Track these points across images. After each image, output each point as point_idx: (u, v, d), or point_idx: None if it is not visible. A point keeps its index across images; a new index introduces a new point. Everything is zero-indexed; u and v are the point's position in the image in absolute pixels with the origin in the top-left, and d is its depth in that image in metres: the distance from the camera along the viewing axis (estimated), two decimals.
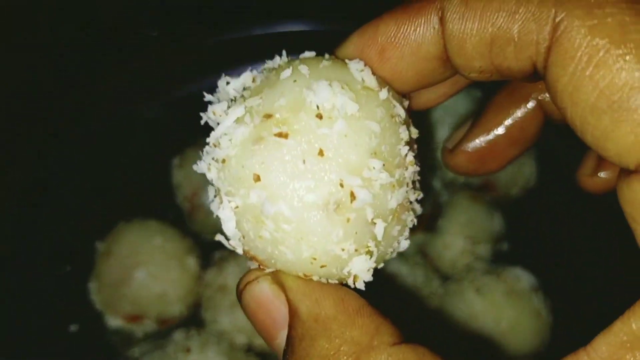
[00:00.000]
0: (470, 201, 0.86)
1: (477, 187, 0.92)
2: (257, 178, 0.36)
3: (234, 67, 1.08)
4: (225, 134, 0.38)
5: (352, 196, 0.36)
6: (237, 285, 0.42)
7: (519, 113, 0.48)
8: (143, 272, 0.76)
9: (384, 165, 0.37)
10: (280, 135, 0.36)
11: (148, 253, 0.77)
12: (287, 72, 0.38)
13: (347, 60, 0.40)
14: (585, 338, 0.77)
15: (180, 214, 0.92)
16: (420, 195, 0.42)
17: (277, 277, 0.39)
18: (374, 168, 0.36)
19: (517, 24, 0.32)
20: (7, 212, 0.90)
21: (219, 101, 0.41)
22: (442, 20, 0.35)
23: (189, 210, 0.88)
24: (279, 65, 0.40)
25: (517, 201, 0.97)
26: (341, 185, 0.36)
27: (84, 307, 0.83)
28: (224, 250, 0.82)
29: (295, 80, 0.37)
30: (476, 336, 0.77)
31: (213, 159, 0.39)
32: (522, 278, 0.79)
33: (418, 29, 0.37)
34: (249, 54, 1.10)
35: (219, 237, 0.41)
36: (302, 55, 0.41)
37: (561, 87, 0.31)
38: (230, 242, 0.40)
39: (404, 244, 0.42)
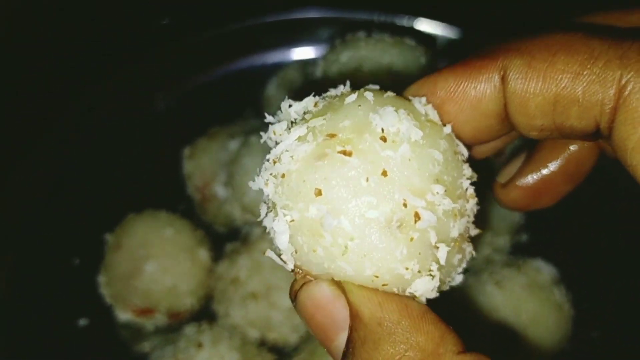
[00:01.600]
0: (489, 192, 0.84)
1: None
2: (319, 192, 0.37)
3: (244, 57, 1.08)
4: (287, 151, 0.38)
5: (417, 216, 0.36)
6: (291, 286, 0.40)
7: (575, 148, 0.46)
8: (153, 264, 0.74)
9: (446, 191, 0.37)
10: (344, 153, 0.36)
11: (158, 245, 0.76)
12: (352, 97, 0.39)
13: (410, 97, 0.41)
14: (606, 331, 0.75)
15: (191, 205, 0.91)
16: (478, 232, 0.42)
17: (334, 281, 0.39)
18: (437, 193, 0.37)
19: (582, 85, 0.33)
20: (17, 205, 0.89)
21: (280, 122, 0.41)
22: (503, 79, 0.36)
23: (200, 201, 0.86)
24: (342, 93, 0.41)
25: None
26: (404, 205, 0.36)
27: (94, 301, 0.82)
28: (235, 242, 0.81)
29: (359, 105, 0.38)
30: (497, 329, 0.75)
31: (271, 174, 0.39)
32: (543, 270, 0.76)
33: (479, 86, 0.38)
34: (259, 43, 1.08)
35: (269, 254, 0.40)
36: (364, 88, 0.41)
37: (631, 145, 0.32)
38: (282, 256, 0.40)
39: (459, 279, 0.42)
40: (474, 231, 0.41)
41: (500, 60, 0.36)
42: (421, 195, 0.37)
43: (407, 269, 0.37)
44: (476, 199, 0.41)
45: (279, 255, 0.40)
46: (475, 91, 0.38)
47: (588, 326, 0.84)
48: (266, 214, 0.40)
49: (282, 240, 0.38)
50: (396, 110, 0.38)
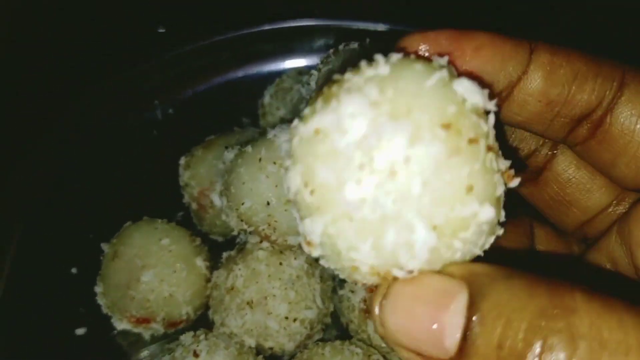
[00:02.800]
0: None
1: None
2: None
3: (240, 66, 1.09)
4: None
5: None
6: (371, 301, 0.39)
7: None
8: (150, 274, 0.74)
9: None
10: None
11: (155, 255, 0.76)
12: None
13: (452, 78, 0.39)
14: None
15: (188, 215, 0.91)
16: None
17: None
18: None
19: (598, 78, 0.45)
20: (13, 214, 0.90)
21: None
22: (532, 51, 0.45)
23: (197, 210, 0.86)
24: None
25: None
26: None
27: (91, 311, 0.82)
28: (232, 251, 0.81)
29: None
30: None
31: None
32: None
33: (510, 51, 0.45)
34: (255, 52, 1.09)
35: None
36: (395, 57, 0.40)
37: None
38: (312, 252, 0.40)
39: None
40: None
41: (531, 45, 0.45)
42: None
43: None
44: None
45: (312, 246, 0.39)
46: (508, 53, 0.44)
47: None
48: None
49: (314, 232, 0.38)
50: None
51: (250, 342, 0.74)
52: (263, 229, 0.72)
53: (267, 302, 0.73)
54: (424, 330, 0.35)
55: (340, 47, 0.70)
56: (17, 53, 0.94)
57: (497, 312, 0.33)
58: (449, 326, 0.34)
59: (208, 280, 0.79)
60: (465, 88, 0.38)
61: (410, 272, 0.37)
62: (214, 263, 0.82)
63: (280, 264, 0.75)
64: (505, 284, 0.34)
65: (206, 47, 1.06)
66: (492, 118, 0.39)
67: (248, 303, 0.74)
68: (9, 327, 0.82)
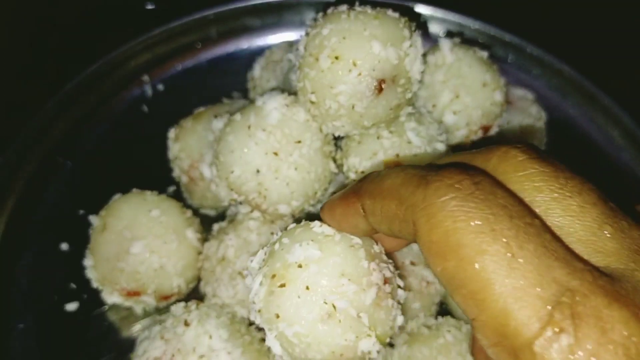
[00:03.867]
0: None
1: None
2: (277, 316, 0.54)
3: (230, 40, 1.07)
4: (256, 295, 0.56)
5: (334, 306, 0.53)
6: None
7: None
8: (140, 245, 0.74)
9: (349, 279, 0.54)
10: (282, 285, 0.54)
11: (145, 226, 0.75)
12: (277, 246, 0.57)
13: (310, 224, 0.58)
14: None
15: (179, 190, 0.90)
16: (394, 284, 0.59)
17: None
18: (343, 284, 0.54)
19: (398, 221, 0.47)
20: (2, 191, 0.89)
21: (251, 275, 0.59)
22: (364, 212, 0.52)
23: (187, 183, 0.85)
24: (275, 241, 0.58)
25: None
26: (325, 302, 0.53)
27: (82, 286, 0.81)
28: (222, 223, 0.80)
29: (282, 249, 0.56)
30: None
31: (257, 310, 0.57)
32: None
33: (353, 216, 0.54)
34: (245, 26, 1.08)
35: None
36: (288, 227, 0.59)
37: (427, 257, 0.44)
38: (284, 359, 0.57)
39: (400, 320, 0.59)
40: (389, 288, 0.57)
41: (360, 201, 0.52)
42: (334, 292, 0.53)
43: (346, 340, 0.54)
44: (381, 269, 0.57)
45: (281, 357, 0.57)
46: (353, 218, 0.54)
47: None
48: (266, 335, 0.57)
49: (277, 349, 0.56)
50: (300, 244, 0.55)
51: (243, 312, 0.73)
52: (253, 198, 0.71)
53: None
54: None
55: (329, 10, 0.69)
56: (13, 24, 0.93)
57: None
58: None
59: (199, 253, 0.79)
60: None
61: None
62: (206, 236, 0.81)
63: (272, 233, 0.74)
64: None
65: (195, 23, 1.04)
66: None
67: (239, 273, 0.73)
68: None
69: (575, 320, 0.37)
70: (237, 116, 0.72)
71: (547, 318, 0.37)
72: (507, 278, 0.38)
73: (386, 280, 0.57)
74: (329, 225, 0.57)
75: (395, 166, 0.52)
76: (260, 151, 0.69)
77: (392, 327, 0.58)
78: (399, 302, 0.59)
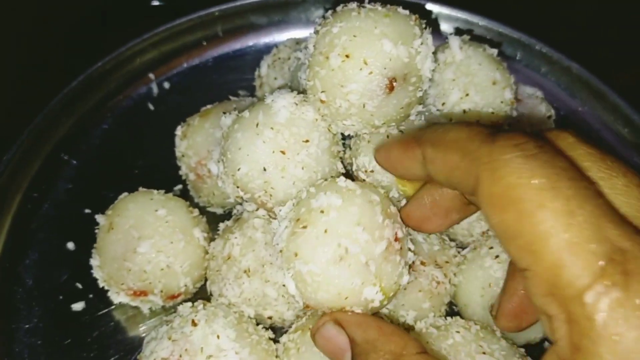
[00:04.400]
0: None
1: None
2: (295, 255, 0.61)
3: (237, 38, 1.07)
4: (280, 236, 0.63)
5: (347, 250, 0.60)
6: (311, 330, 0.63)
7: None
8: (147, 245, 0.73)
9: (363, 229, 0.61)
10: (304, 227, 0.61)
11: (152, 225, 0.74)
12: (304, 194, 0.65)
13: (337, 179, 0.65)
14: None
15: (186, 189, 0.90)
16: (404, 244, 0.65)
17: (336, 318, 0.60)
18: (357, 232, 0.60)
19: (460, 171, 0.51)
20: (8, 189, 0.88)
21: (278, 222, 0.66)
22: (424, 157, 0.56)
23: (194, 181, 0.84)
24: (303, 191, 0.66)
25: None
26: (339, 246, 0.60)
27: (88, 286, 0.81)
28: (229, 221, 0.80)
29: (308, 197, 0.64)
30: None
31: (279, 251, 0.63)
32: None
33: (410, 159, 0.59)
34: (251, 24, 1.07)
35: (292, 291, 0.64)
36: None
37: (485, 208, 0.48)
38: (296, 298, 0.64)
39: (405, 279, 0.65)
40: (398, 245, 0.64)
41: (420, 147, 0.56)
42: (348, 236, 0.60)
43: (352, 283, 0.60)
44: (395, 226, 0.64)
45: (294, 296, 0.64)
46: (410, 162, 0.59)
47: None
48: (284, 278, 0.63)
49: (291, 288, 0.63)
50: (324, 193, 0.62)
51: (249, 311, 0.73)
52: (259, 196, 0.70)
53: (265, 269, 0.72)
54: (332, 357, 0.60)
55: (339, 8, 0.68)
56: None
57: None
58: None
59: (206, 252, 0.78)
60: None
61: None
62: (213, 236, 0.80)
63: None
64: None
65: (200, 20, 1.03)
66: None
67: (245, 272, 0.72)
68: (4, 304, 0.81)
69: (626, 277, 0.39)
70: (246, 113, 0.71)
71: (599, 272, 0.39)
72: (564, 233, 0.40)
73: (397, 238, 0.64)
74: (381, 166, 0.66)
75: (459, 122, 0.57)
76: (268, 149, 0.68)
77: (397, 282, 0.64)
78: (406, 263, 0.65)
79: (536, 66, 1.05)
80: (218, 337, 0.66)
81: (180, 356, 0.65)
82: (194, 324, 0.67)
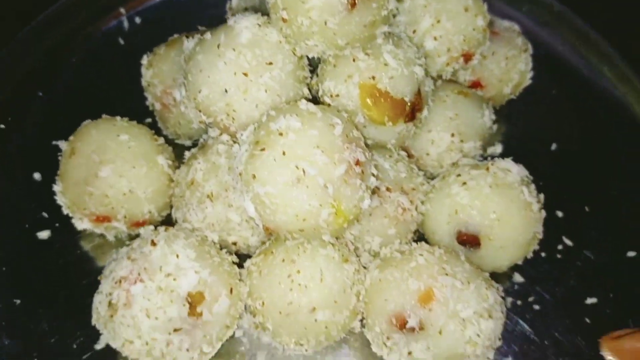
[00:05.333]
0: (458, 95, 0.81)
1: (467, 85, 0.87)
2: (254, 177, 0.61)
3: None
4: (239, 159, 0.64)
5: (304, 172, 0.60)
6: None
7: None
8: (108, 169, 0.72)
9: (322, 151, 0.60)
10: (262, 149, 0.61)
11: (114, 150, 0.73)
12: (264, 118, 0.64)
13: (299, 102, 0.65)
14: (577, 236, 0.74)
15: (155, 122, 0.88)
16: (366, 168, 0.65)
17: None
18: (316, 154, 0.60)
19: None
20: None
21: (239, 145, 0.66)
22: None
23: (161, 110, 0.83)
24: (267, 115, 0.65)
25: (511, 101, 0.93)
26: (297, 167, 0.60)
27: (55, 214, 0.80)
28: (193, 150, 0.79)
29: (268, 120, 0.63)
30: (463, 229, 0.73)
31: (239, 173, 0.64)
32: (512, 170, 0.74)
33: None
34: None
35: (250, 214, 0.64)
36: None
37: None
38: (255, 221, 0.64)
39: (366, 203, 0.65)
40: (359, 169, 0.63)
41: None
42: (306, 159, 0.60)
43: (310, 205, 0.60)
44: (354, 149, 0.63)
45: (253, 219, 0.65)
46: None
47: (560, 227, 0.83)
48: (244, 201, 0.64)
49: (251, 211, 0.64)
50: (284, 116, 0.62)
51: (213, 237, 0.72)
52: (222, 119, 0.69)
53: (228, 194, 0.71)
54: None
55: None
56: None
57: None
58: None
59: (171, 180, 0.77)
60: None
61: None
62: (179, 165, 0.79)
63: None
64: None
65: None
66: None
67: (208, 196, 0.72)
68: None
69: None
70: (207, 35, 0.70)
71: None
72: None
73: (358, 162, 0.63)
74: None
75: None
76: (229, 71, 0.67)
77: (357, 205, 0.64)
78: (368, 187, 0.65)
79: (518, 4, 1.03)
80: (177, 256, 0.65)
81: (139, 274, 0.64)
82: (153, 244, 0.66)
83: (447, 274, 0.67)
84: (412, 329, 0.66)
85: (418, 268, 0.68)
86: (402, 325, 0.67)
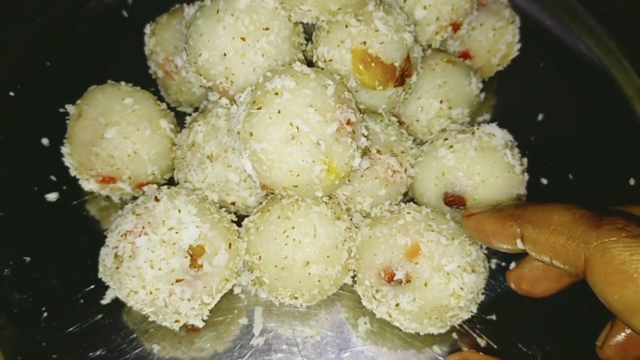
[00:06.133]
0: (446, 64, 0.84)
1: (457, 55, 0.90)
2: (251, 134, 0.65)
3: None
4: (237, 119, 0.67)
5: (298, 129, 0.63)
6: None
7: None
8: (114, 131, 0.76)
9: (315, 110, 0.64)
10: (258, 108, 0.65)
11: (119, 113, 0.77)
12: (261, 79, 0.68)
13: (293, 65, 0.68)
14: (560, 200, 0.77)
15: (157, 91, 0.91)
16: (357, 128, 0.68)
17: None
18: (309, 113, 0.64)
19: (566, 253, 0.55)
20: None
21: (237, 106, 0.69)
22: (522, 238, 0.61)
23: (163, 78, 0.87)
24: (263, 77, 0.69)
25: (500, 72, 0.96)
26: (291, 125, 0.63)
27: (62, 178, 0.84)
28: (195, 114, 0.82)
29: (265, 80, 0.67)
30: (449, 190, 0.77)
31: (237, 132, 0.67)
32: (497, 134, 0.77)
33: (507, 239, 0.64)
34: None
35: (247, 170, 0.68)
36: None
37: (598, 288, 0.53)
38: (253, 178, 0.68)
39: (357, 161, 0.68)
40: (350, 128, 0.66)
41: (519, 227, 0.61)
42: (300, 117, 0.63)
43: (303, 161, 0.64)
44: (346, 110, 0.66)
45: (251, 176, 0.68)
46: (505, 239, 0.63)
47: (544, 196, 0.87)
48: (241, 159, 0.67)
49: (248, 168, 0.67)
50: (279, 76, 0.65)
51: (213, 197, 0.76)
52: (221, 82, 0.73)
53: (227, 155, 0.75)
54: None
55: None
56: None
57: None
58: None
59: (173, 144, 0.81)
60: None
61: None
62: (181, 130, 0.83)
63: None
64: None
65: None
66: None
67: (208, 157, 0.75)
68: None
69: None
70: (207, 1, 0.73)
71: None
72: None
73: (349, 122, 0.67)
74: (470, 234, 0.70)
75: (558, 204, 0.59)
76: (228, 35, 0.71)
77: (348, 163, 0.67)
78: (359, 147, 0.68)
79: None
80: (179, 211, 0.69)
81: (143, 228, 0.68)
82: (156, 199, 0.70)
83: (432, 231, 0.71)
84: (400, 282, 0.71)
85: (406, 225, 0.72)
86: (390, 278, 0.71)
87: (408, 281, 0.70)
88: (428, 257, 0.70)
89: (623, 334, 0.67)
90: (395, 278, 0.71)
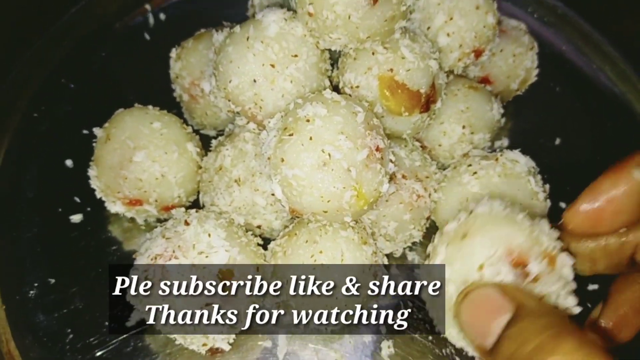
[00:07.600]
0: (468, 89, 0.85)
1: (477, 80, 0.91)
2: (282, 160, 0.65)
3: None
4: (268, 145, 0.68)
5: (330, 156, 0.64)
6: (457, 297, 0.57)
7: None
8: (142, 154, 0.77)
9: (346, 137, 0.65)
10: (290, 134, 0.66)
11: (147, 137, 0.78)
12: (291, 106, 0.69)
13: (323, 91, 0.70)
14: None
15: (181, 113, 0.92)
16: (385, 155, 0.69)
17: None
18: (340, 140, 0.65)
19: None
20: (9, 109, 0.91)
21: (267, 132, 0.70)
22: None
23: (188, 101, 0.88)
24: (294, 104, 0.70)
25: (518, 97, 0.97)
26: (323, 152, 0.64)
27: (87, 199, 0.84)
28: (221, 138, 0.83)
29: (295, 107, 0.68)
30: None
31: (267, 158, 0.68)
32: (520, 160, 0.78)
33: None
34: None
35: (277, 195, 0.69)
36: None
37: None
38: (282, 203, 0.69)
39: (385, 187, 0.69)
40: (379, 154, 0.67)
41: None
42: (331, 143, 0.64)
43: (335, 187, 0.65)
44: (375, 137, 0.67)
45: (280, 201, 0.69)
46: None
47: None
48: (271, 185, 0.68)
49: (278, 193, 0.68)
50: (311, 103, 0.66)
51: (239, 220, 0.77)
52: (250, 108, 0.74)
53: (254, 179, 0.76)
54: (479, 329, 0.54)
55: None
56: None
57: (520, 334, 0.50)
58: (492, 332, 0.52)
59: (199, 167, 0.82)
60: None
61: None
62: (206, 153, 0.84)
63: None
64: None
65: None
66: None
67: (236, 181, 0.76)
68: (6, 214, 0.85)
69: None
70: (237, 28, 0.74)
71: None
72: None
73: (378, 148, 0.68)
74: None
75: None
76: (258, 62, 0.72)
77: (377, 189, 0.68)
78: (387, 173, 0.70)
79: (523, 4, 1.08)
80: (209, 235, 0.70)
81: (174, 252, 0.69)
82: (186, 223, 0.71)
83: None
84: None
85: None
86: None
87: None
88: None
89: (614, 313, 0.65)
90: None
